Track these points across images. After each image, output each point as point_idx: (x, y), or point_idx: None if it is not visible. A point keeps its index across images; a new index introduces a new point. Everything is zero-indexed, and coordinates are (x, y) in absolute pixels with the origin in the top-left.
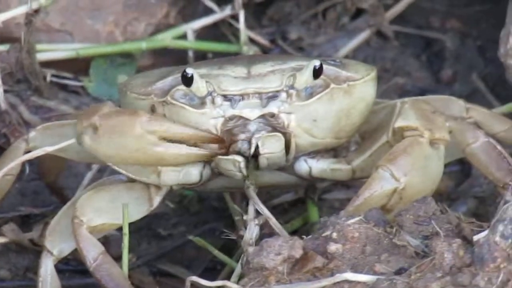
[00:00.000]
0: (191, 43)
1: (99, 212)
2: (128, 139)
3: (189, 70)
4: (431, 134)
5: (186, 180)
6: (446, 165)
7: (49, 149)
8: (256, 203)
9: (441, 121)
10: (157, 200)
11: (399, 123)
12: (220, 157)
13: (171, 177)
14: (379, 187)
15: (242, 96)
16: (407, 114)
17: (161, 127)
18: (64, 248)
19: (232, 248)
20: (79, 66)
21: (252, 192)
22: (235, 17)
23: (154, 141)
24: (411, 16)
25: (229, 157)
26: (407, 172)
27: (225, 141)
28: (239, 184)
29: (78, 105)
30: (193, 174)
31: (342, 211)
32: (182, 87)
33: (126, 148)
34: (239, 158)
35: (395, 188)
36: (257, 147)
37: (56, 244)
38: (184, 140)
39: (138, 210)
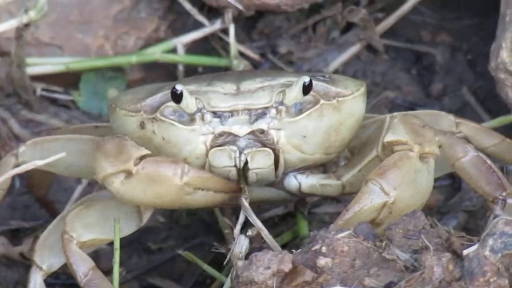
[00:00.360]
0: (181, 57)
1: (89, 228)
2: (165, 190)
3: (179, 87)
4: (420, 148)
5: None
6: (436, 179)
7: (38, 163)
8: (248, 214)
9: (431, 135)
10: (146, 215)
11: (388, 137)
12: (214, 149)
13: None
14: (369, 201)
15: (232, 113)
16: (397, 129)
17: (199, 181)
18: (54, 263)
19: (222, 261)
20: (69, 80)
21: (245, 202)
22: (225, 31)
23: (189, 191)
24: (402, 30)
25: (225, 147)
26: (397, 186)
27: (240, 190)
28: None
29: (68, 119)
30: None
31: (331, 225)
32: (172, 103)
33: (160, 197)
34: (234, 147)
35: (385, 202)
36: (246, 162)
37: (46, 259)
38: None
39: (127, 225)
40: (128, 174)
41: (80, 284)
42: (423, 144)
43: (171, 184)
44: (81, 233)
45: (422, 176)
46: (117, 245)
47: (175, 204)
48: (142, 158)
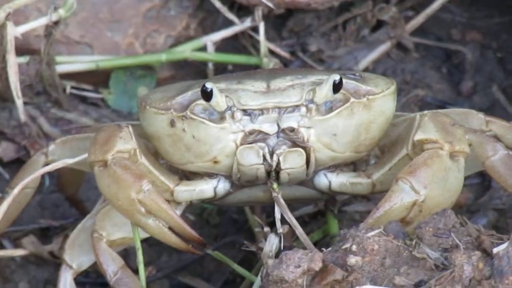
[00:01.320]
0: (211, 55)
1: (118, 227)
2: (121, 196)
3: (209, 85)
4: (451, 146)
5: (200, 196)
6: (466, 178)
7: (68, 161)
8: (284, 212)
9: (461, 134)
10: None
11: (418, 136)
12: (242, 147)
13: (185, 195)
14: (399, 199)
15: (262, 111)
16: (427, 127)
17: (153, 206)
18: (84, 262)
19: (252, 260)
20: (98, 78)
21: (281, 199)
22: (255, 29)
23: (142, 212)
24: (432, 28)
25: (253, 144)
26: (427, 185)
27: (203, 245)
28: (258, 198)
29: (98, 117)
30: (207, 191)
31: (361, 223)
32: (202, 101)
33: (117, 200)
34: (262, 144)
35: (415, 201)
36: (278, 162)
37: (75, 258)
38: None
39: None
40: (104, 164)
41: (110, 282)
42: (453, 143)
43: (126, 193)
44: (110, 231)
45: (452, 175)
46: (138, 244)
47: (129, 217)
48: (124, 152)
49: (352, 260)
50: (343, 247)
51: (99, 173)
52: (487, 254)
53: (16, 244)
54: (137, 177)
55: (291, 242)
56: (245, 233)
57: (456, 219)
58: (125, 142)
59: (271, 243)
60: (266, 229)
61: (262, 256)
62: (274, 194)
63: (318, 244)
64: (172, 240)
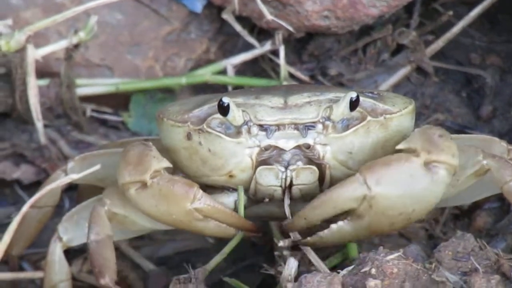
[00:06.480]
0: (230, 79)
1: (123, 202)
2: (175, 210)
3: (226, 99)
4: (427, 155)
5: None
6: (485, 202)
7: (74, 176)
8: (295, 236)
9: (447, 145)
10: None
11: (401, 145)
12: (262, 167)
13: None
14: (350, 188)
15: (278, 127)
16: (412, 137)
17: (210, 210)
18: (74, 238)
19: (271, 283)
20: (118, 101)
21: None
22: (275, 52)
23: (199, 218)
24: (451, 52)
25: (272, 166)
26: (382, 182)
27: (260, 232)
28: (273, 213)
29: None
30: (228, 204)
31: (381, 247)
32: (219, 115)
33: (170, 215)
34: (281, 168)
35: (365, 195)
36: (291, 178)
37: (68, 232)
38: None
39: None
40: (143, 185)
41: (87, 240)
42: (432, 152)
43: (180, 206)
44: (116, 204)
45: (420, 183)
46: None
47: (186, 227)
48: (160, 171)
49: (372, 283)
50: (362, 270)
51: (138, 195)
52: (506, 278)
53: (36, 267)
54: (188, 187)
55: (309, 265)
56: (265, 256)
57: (475, 242)
58: (159, 161)
59: (290, 267)
60: (286, 252)
61: (281, 280)
62: (285, 221)
63: (337, 268)
64: (232, 232)
